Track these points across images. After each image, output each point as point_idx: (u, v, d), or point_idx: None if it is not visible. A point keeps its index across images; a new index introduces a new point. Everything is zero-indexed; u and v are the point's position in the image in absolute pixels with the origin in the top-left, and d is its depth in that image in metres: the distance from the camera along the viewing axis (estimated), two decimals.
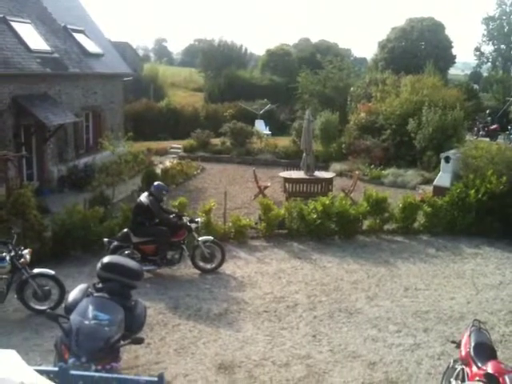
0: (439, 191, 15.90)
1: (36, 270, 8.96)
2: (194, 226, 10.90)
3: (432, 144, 20.88)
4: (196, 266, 11.01)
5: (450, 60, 44.95)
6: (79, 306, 6.36)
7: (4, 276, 8.75)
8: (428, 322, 9.11)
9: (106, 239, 10.70)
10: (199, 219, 11.36)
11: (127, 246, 10.49)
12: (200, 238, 10.98)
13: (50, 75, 17.79)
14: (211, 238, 11.20)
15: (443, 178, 17.23)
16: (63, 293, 8.86)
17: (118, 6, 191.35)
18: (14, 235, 9.27)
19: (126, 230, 10.75)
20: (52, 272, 9.08)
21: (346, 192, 16.48)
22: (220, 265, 11.07)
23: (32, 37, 17.69)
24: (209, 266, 11.04)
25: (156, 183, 11.15)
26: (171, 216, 10.94)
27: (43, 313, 8.08)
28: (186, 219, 10.95)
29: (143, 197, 10.81)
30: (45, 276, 9.02)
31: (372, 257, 12.23)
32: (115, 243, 10.48)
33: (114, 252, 10.25)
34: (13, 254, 8.76)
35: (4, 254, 8.76)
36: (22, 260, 8.78)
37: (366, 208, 13.59)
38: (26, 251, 8.96)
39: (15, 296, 8.89)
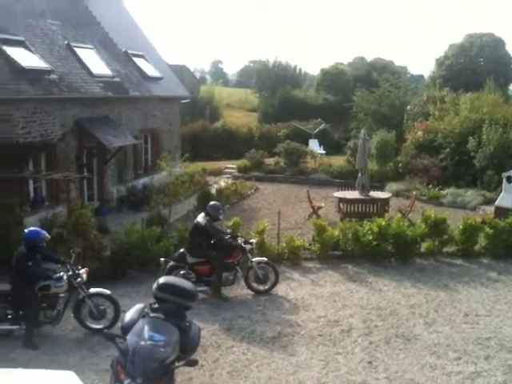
0: (501, 212, 15.33)
1: (92, 290, 9.17)
2: (248, 247, 10.95)
3: (493, 163, 20.25)
4: (249, 287, 11.01)
5: (511, 76, 43.62)
6: (135, 326, 6.45)
7: (61, 295, 9.02)
8: (489, 349, 8.73)
9: (162, 259, 10.92)
10: (253, 240, 11.41)
11: (183, 266, 10.65)
12: (254, 259, 10.99)
13: (111, 99, 18.44)
14: (265, 259, 11.22)
15: (505, 199, 16.61)
16: (118, 312, 9.06)
17: (176, 29, 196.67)
18: (73, 254, 9.54)
19: (182, 250, 10.92)
20: (108, 292, 9.29)
21: (403, 213, 16.13)
22: (273, 286, 11.03)
23: (94, 62, 18.43)
24: (262, 288, 11.02)
25: (212, 203, 11.30)
26: (226, 237, 11.02)
27: (99, 332, 8.42)
28: (240, 240, 11.00)
29: (200, 217, 10.94)
30: (101, 295, 9.22)
31: (430, 280, 11.88)
32: (171, 263, 10.67)
33: (169, 272, 10.45)
34: (70, 273, 9.00)
35: (62, 273, 9.00)
36: (79, 279, 9.00)
37: (424, 229, 13.24)
38: (82, 270, 9.18)
39: (72, 315, 9.12)
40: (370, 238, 12.79)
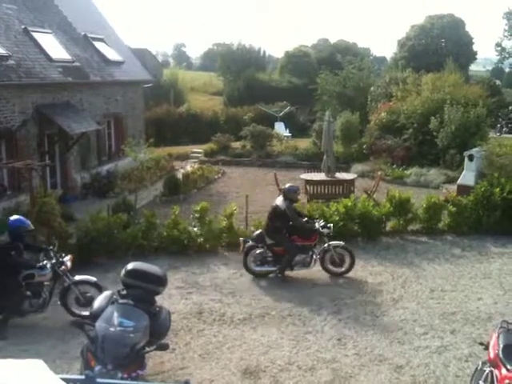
0: (463, 190, 15.68)
1: (78, 277, 9.08)
2: (326, 231, 10.90)
3: (455, 142, 20.64)
4: (325, 270, 11.03)
5: (471, 56, 44.42)
6: (104, 313, 6.41)
7: (46, 283, 8.88)
8: (455, 323, 8.98)
9: (241, 238, 11.27)
10: (331, 225, 11.25)
11: (261, 246, 10.85)
12: (331, 243, 10.96)
13: (72, 84, 18.02)
14: (342, 243, 11.17)
15: (467, 177, 17.00)
16: None
17: (137, 12, 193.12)
18: (55, 242, 9.43)
19: (260, 230, 11.09)
20: (94, 279, 9.21)
21: (369, 193, 16.33)
22: (349, 269, 11.01)
23: (53, 46, 17.93)
24: (338, 270, 11.03)
25: (288, 185, 11.28)
26: (305, 220, 11.03)
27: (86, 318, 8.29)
28: (318, 224, 10.96)
29: (279, 201, 10.94)
30: (86, 282, 9.13)
31: (396, 258, 12.11)
32: (250, 243, 10.94)
33: (248, 251, 10.88)
34: (54, 261, 8.85)
35: (45, 261, 8.85)
36: (63, 267, 8.87)
37: (389, 209, 13.46)
38: (66, 258, 9.05)
39: (58, 302, 9.02)
40: (337, 218, 12.92)
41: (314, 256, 10.88)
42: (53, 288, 8.98)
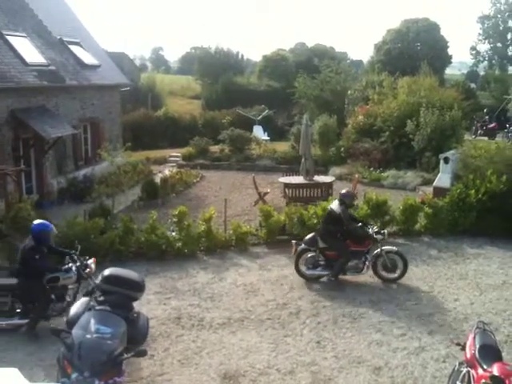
0: (439, 192, 15.87)
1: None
2: (379, 237, 10.81)
3: (431, 145, 20.89)
4: (377, 275, 10.92)
5: (447, 60, 45.07)
6: (81, 319, 6.34)
7: (70, 286, 8.86)
8: (432, 324, 9.08)
9: (293, 241, 11.18)
10: (385, 231, 11.18)
11: (314, 249, 10.81)
12: (383, 248, 10.88)
13: (47, 88, 17.80)
14: (395, 248, 11.11)
15: (443, 179, 17.21)
16: None
17: (114, 16, 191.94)
18: (78, 246, 9.45)
19: (313, 234, 11.00)
20: None
21: None
22: (402, 275, 10.88)
23: (28, 50, 17.70)
24: (391, 276, 10.92)
25: (344, 191, 11.27)
26: (359, 225, 10.95)
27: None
28: (371, 229, 10.88)
29: (334, 205, 10.94)
30: None
31: None
32: (302, 246, 10.89)
33: (300, 254, 10.84)
34: (78, 264, 8.87)
35: (70, 264, 8.89)
36: (88, 270, 8.88)
37: (367, 211, 13.54)
38: (90, 261, 9.08)
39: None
40: (315, 221, 12.97)
41: (367, 261, 10.80)
42: (77, 291, 8.98)
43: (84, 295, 8.70)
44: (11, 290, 8.62)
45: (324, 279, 10.90)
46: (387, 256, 10.84)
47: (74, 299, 8.79)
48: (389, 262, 10.86)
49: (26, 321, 8.55)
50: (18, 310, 8.67)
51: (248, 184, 19.76)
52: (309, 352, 8.19)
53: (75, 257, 9.03)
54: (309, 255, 10.92)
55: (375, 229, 11.01)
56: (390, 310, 9.64)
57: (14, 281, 8.65)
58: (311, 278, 10.93)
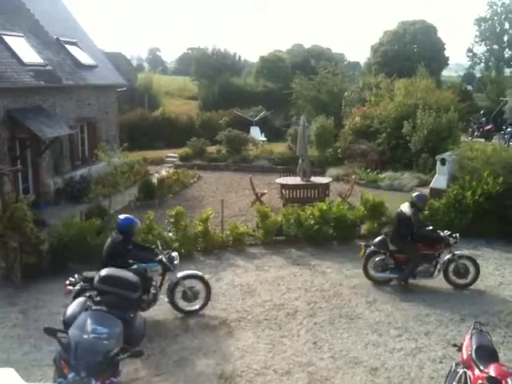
0: (436, 193, 15.90)
1: (184, 272, 9.41)
2: (452, 241, 10.68)
3: (427, 146, 20.92)
4: (448, 281, 10.70)
5: (443, 62, 45.14)
6: (77, 319, 6.32)
7: (155, 278, 9.10)
8: (429, 325, 9.09)
9: (362, 243, 11.07)
10: (457, 235, 10.93)
11: (383, 252, 10.69)
12: (456, 252, 10.72)
13: (44, 88, 17.76)
14: (467, 253, 11.01)
15: (439, 180, 17.25)
16: (209, 293, 9.44)
17: (111, 16, 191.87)
18: (158, 241, 9.88)
19: (382, 236, 10.90)
20: (200, 273, 9.68)
21: (343, 197, 16.45)
22: (473, 281, 10.62)
23: (25, 50, 17.66)
24: (462, 282, 10.71)
25: (417, 193, 11.21)
26: (429, 228, 10.80)
27: (193, 313, 9.23)
28: (443, 233, 10.71)
29: (405, 207, 10.77)
30: (192, 277, 9.47)
31: None
32: (371, 248, 10.78)
33: (369, 257, 10.73)
34: (166, 257, 9.16)
35: (160, 256, 9.17)
36: (176, 262, 9.23)
37: (364, 212, 13.58)
38: (175, 254, 9.41)
39: (166, 299, 9.26)
40: (312, 222, 13.00)
41: (438, 266, 10.65)
42: (161, 283, 9.22)
43: (168, 288, 9.22)
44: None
45: (393, 283, 10.72)
46: (459, 261, 10.63)
47: (157, 293, 9.09)
48: (461, 267, 10.63)
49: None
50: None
51: (245, 185, 19.76)
52: (305, 352, 8.19)
53: (158, 251, 9.36)
54: (378, 258, 10.74)
55: (446, 232, 10.79)
56: (386, 310, 9.65)
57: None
58: (379, 281, 10.78)
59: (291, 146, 24.70)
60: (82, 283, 8.51)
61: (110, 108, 23.50)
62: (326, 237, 13.23)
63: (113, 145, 20.77)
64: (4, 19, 18.13)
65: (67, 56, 20.54)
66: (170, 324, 9.12)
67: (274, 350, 8.24)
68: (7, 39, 17.19)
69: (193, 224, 12.84)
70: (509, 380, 5.45)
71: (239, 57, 51.15)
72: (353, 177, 18.65)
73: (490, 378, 5.55)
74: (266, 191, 17.85)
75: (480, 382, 5.64)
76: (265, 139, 30.50)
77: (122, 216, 9.37)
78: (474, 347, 6.15)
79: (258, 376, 7.54)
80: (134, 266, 8.81)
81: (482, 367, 5.84)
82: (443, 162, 17.56)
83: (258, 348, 8.31)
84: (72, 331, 6.07)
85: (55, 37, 20.50)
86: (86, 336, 5.96)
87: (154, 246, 9.57)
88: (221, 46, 49.13)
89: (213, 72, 43.67)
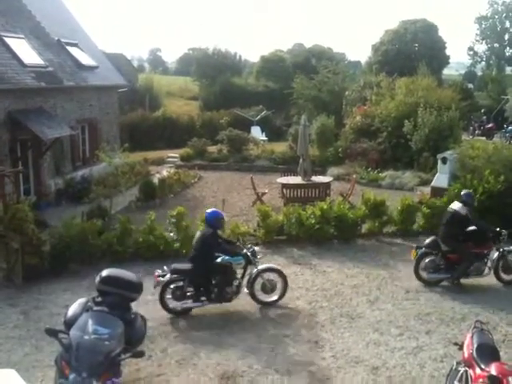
0: (437, 192, 15.89)
1: (264, 265, 9.83)
2: (504, 235, 10.69)
3: (428, 145, 20.92)
4: (498, 278, 10.74)
5: (444, 60, 45.11)
6: (79, 320, 6.32)
7: (238, 271, 9.55)
8: (430, 324, 9.09)
9: (416, 245, 10.92)
10: (505, 231, 10.87)
11: (435, 253, 10.66)
12: (506, 248, 10.72)
13: (45, 89, 17.78)
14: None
15: (440, 179, 17.24)
16: (286, 286, 9.79)
17: (112, 17, 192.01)
18: (238, 236, 10.61)
19: (433, 237, 10.89)
20: (278, 266, 10.12)
21: (344, 196, 16.46)
22: None
23: (26, 51, 17.68)
24: (509, 278, 10.77)
25: (465, 192, 11.14)
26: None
27: (271, 304, 9.65)
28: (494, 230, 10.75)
29: (457, 206, 10.74)
30: (271, 270, 9.83)
31: (372, 260, 12.21)
32: (423, 250, 10.76)
33: (420, 258, 10.70)
34: (251, 250, 9.62)
35: (245, 250, 9.61)
36: (260, 256, 9.79)
37: (365, 211, 13.58)
38: (257, 248, 9.95)
39: (246, 290, 9.60)
40: (313, 221, 13.00)
41: (489, 263, 10.66)
42: (243, 276, 9.61)
43: (248, 280, 9.60)
44: (187, 274, 9.27)
45: (445, 283, 10.71)
46: (509, 257, 10.64)
47: (240, 285, 9.50)
48: (511, 264, 10.66)
49: (198, 304, 9.31)
50: (189, 294, 9.30)
51: (246, 184, 19.77)
52: (307, 352, 8.19)
53: (240, 244, 9.91)
54: (428, 259, 10.69)
55: (497, 229, 10.76)
56: (387, 309, 9.65)
57: (188, 266, 9.37)
58: (431, 283, 10.74)
59: (292, 145, 24.70)
60: (170, 275, 9.23)
61: (110, 109, 23.52)
62: (326, 236, 13.23)
63: (114, 145, 20.77)
64: (5, 21, 18.14)
65: (68, 57, 20.56)
66: (171, 324, 9.12)
67: (275, 350, 8.23)
68: (8, 41, 17.21)
69: (194, 224, 12.83)
70: (510, 379, 5.46)
71: (240, 57, 51.27)
72: (354, 176, 18.65)
73: (491, 377, 5.56)
74: (266, 191, 17.85)
75: (481, 380, 5.65)
76: (266, 139, 30.50)
77: (209, 210, 9.90)
78: (475, 346, 6.16)
79: (260, 376, 7.53)
80: (219, 260, 9.33)
81: (483, 366, 5.84)
82: (444, 160, 17.55)
83: (259, 348, 8.31)
84: (73, 332, 6.07)
85: (56, 38, 20.51)
86: (87, 337, 5.96)
87: (234, 240, 10.20)
88: (221, 46, 48.95)
89: (214, 72, 43.69)
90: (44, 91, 17.85)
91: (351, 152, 22.95)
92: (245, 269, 9.63)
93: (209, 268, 9.32)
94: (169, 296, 9.32)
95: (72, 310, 6.87)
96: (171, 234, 12.49)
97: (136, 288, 7.30)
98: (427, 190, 17.59)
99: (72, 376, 5.62)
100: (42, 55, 18.48)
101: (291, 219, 13.28)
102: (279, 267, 10.14)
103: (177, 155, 26.31)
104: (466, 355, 6.26)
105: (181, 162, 25.22)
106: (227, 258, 9.38)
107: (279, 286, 9.78)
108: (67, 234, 11.70)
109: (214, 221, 9.56)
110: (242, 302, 9.72)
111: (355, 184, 17.85)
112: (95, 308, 6.69)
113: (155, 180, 19.49)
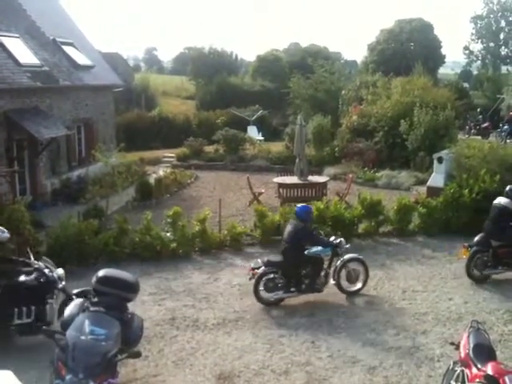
0: (433, 192, 15.92)
1: (348, 255, 10.17)
2: None
3: (424, 145, 20.95)
4: None
5: (440, 60, 45.21)
6: (75, 321, 6.31)
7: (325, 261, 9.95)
8: (426, 323, 9.10)
9: (466, 243, 10.89)
10: None
11: (486, 250, 10.67)
12: None
13: (41, 89, 17.73)
14: None
15: (436, 179, 17.27)
16: (367, 275, 10.25)
17: (108, 16, 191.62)
18: (316, 227, 11.00)
19: (481, 234, 10.87)
20: (360, 256, 10.38)
21: (341, 195, 16.48)
22: None
23: (21, 51, 17.62)
24: None
25: (510, 186, 11.08)
26: None
27: (355, 293, 10.08)
28: None
29: (505, 201, 10.83)
30: (355, 260, 10.22)
31: (368, 260, 12.12)
32: (474, 248, 10.73)
33: (472, 256, 10.67)
34: (339, 241, 10.02)
35: (333, 241, 10.00)
36: (347, 246, 10.20)
37: (361, 211, 13.59)
38: (343, 239, 10.19)
39: (332, 281, 10.00)
40: None
41: None
42: (329, 266, 9.99)
43: (334, 270, 9.97)
44: (279, 266, 9.64)
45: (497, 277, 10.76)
46: None
47: (328, 275, 9.92)
48: None
49: (288, 295, 9.69)
50: (280, 285, 9.62)
51: (242, 184, 19.76)
52: (304, 352, 8.19)
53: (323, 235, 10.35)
54: (478, 256, 10.67)
55: None
56: (384, 309, 9.66)
57: (279, 258, 9.82)
58: (482, 280, 10.74)
59: (288, 145, 24.72)
60: (264, 267, 9.62)
61: (106, 108, 23.48)
62: None
63: (110, 145, 20.76)
64: (0, 20, 18.08)
65: (64, 57, 20.51)
66: (167, 324, 9.10)
67: (272, 350, 8.24)
68: (3, 40, 17.16)
69: (190, 224, 12.83)
70: (506, 378, 5.46)
71: (236, 56, 51.20)
72: (350, 175, 18.66)
73: (487, 377, 5.56)
74: (263, 191, 17.86)
75: (478, 380, 5.65)
76: (262, 138, 30.50)
77: (299, 205, 10.35)
78: (472, 346, 6.16)
79: (256, 376, 7.54)
80: (311, 251, 9.72)
81: (479, 365, 5.84)
82: (440, 160, 17.58)
83: (256, 347, 8.31)
84: (70, 332, 6.06)
85: (51, 37, 20.45)
86: (83, 337, 5.95)
87: (321, 233, 10.60)
88: (218, 45, 48.86)
89: (210, 71, 43.61)
90: (40, 91, 17.80)
91: (347, 152, 22.97)
92: (331, 260, 10.01)
93: (300, 260, 9.70)
94: (261, 288, 9.65)
95: (68, 310, 6.86)
96: (168, 234, 12.49)
97: (133, 288, 7.29)
98: (423, 189, 17.61)
99: (68, 377, 5.60)
100: (37, 55, 18.44)
101: (288, 219, 13.25)
102: (361, 257, 10.39)
103: (173, 155, 26.29)
104: (462, 355, 6.27)
105: (177, 162, 25.20)
106: (317, 249, 9.79)
107: (362, 276, 10.17)
108: (63, 235, 11.68)
109: (305, 215, 9.98)
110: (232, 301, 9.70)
111: (351, 183, 17.87)
112: (92, 308, 6.68)
113: (152, 180, 19.47)
